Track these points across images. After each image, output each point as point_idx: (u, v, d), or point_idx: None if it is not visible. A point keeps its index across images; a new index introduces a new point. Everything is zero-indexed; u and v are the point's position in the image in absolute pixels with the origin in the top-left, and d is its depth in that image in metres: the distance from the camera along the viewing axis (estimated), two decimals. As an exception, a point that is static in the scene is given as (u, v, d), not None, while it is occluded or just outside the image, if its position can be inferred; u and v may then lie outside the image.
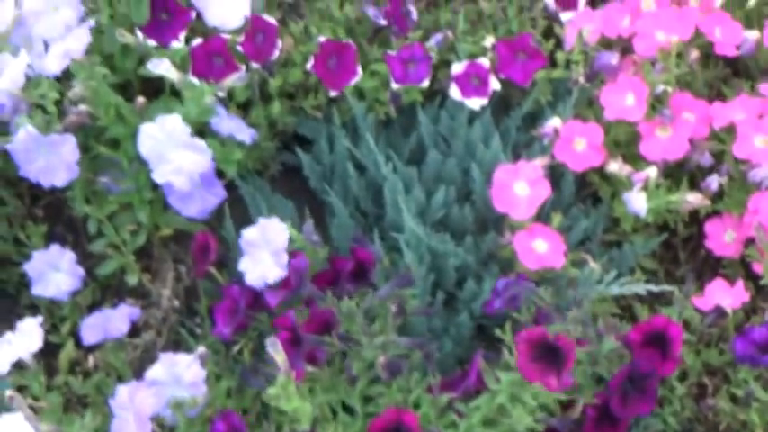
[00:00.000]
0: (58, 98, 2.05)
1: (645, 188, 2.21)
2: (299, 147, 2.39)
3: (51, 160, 2.02)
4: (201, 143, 2.01)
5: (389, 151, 2.33)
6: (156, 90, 2.21)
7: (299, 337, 1.87)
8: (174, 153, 2.01)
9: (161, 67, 2.07)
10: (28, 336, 1.98)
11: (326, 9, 2.34)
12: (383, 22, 2.33)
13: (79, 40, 2.04)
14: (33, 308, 2.21)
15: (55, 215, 2.27)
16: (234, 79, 2.14)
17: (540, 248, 2.15)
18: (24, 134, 1.99)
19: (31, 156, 2.01)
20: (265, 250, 1.98)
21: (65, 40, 2.06)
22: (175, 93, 2.16)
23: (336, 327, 1.90)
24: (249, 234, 2.01)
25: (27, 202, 2.25)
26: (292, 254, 1.99)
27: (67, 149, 2.01)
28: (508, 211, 2.17)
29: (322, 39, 2.25)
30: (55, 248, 2.09)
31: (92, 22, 2.05)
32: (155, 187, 2.13)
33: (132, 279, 2.17)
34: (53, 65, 2.04)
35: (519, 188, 2.18)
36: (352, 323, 1.90)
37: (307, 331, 1.89)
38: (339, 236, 2.29)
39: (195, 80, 2.15)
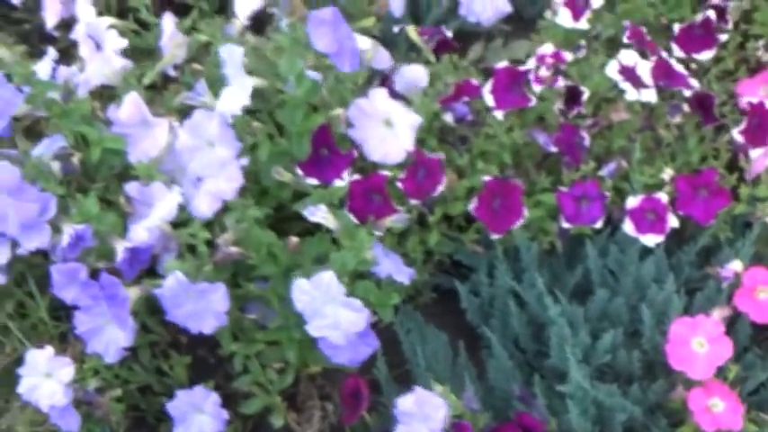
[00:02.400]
0: (209, 238, 1.92)
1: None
2: (456, 271, 2.26)
3: (200, 307, 1.92)
4: (358, 303, 1.88)
5: (553, 284, 2.18)
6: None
7: None
8: (329, 308, 1.88)
9: (318, 215, 1.95)
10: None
11: (493, 134, 2.18)
12: (553, 149, 2.17)
13: (232, 181, 1.92)
14: (173, 440, 2.10)
15: (199, 343, 2.16)
16: (393, 220, 2.01)
17: (717, 408, 2.00)
18: (174, 281, 1.87)
19: (179, 301, 1.91)
20: (422, 424, 1.85)
21: (217, 179, 1.93)
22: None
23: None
24: (405, 404, 1.89)
25: (171, 330, 2.13)
26: (454, 425, 1.85)
27: (217, 298, 1.90)
28: (685, 369, 2.02)
29: (487, 177, 2.10)
30: (199, 390, 1.99)
31: (245, 160, 1.93)
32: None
33: (278, 421, 2.05)
34: (204, 206, 1.93)
35: (697, 345, 2.01)
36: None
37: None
38: (497, 377, 2.15)
39: (352, 218, 2.01)
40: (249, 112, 2.01)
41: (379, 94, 2.05)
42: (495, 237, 2.14)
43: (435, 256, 2.23)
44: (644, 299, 2.19)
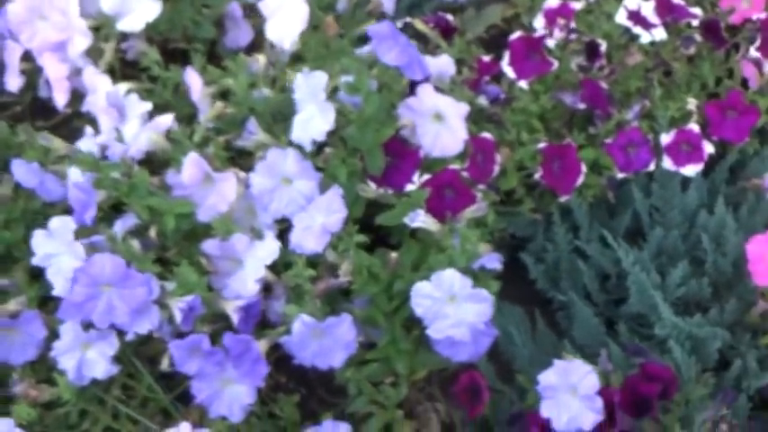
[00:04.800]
0: (314, 274, 1.92)
1: None
2: (508, 243, 2.30)
3: (326, 343, 1.92)
4: (484, 292, 1.90)
5: (603, 231, 2.25)
6: (378, 229, 2.10)
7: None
8: (450, 308, 1.90)
9: (418, 220, 1.96)
10: None
11: (523, 105, 2.22)
12: (581, 106, 2.23)
13: (337, 212, 1.92)
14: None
15: (299, 376, 2.15)
16: (473, 210, 2.03)
17: (806, 313, 2.08)
18: (301, 325, 1.87)
19: (306, 343, 1.90)
20: (570, 395, 1.89)
21: (311, 214, 1.93)
22: (412, 235, 2.05)
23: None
24: (548, 378, 1.91)
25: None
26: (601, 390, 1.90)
27: (344, 329, 1.90)
28: (770, 282, 2.09)
29: (542, 144, 2.15)
30: (328, 424, 1.98)
31: (339, 189, 1.93)
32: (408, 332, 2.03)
33: (403, 434, 2.06)
34: (311, 243, 1.92)
35: (778, 257, 2.10)
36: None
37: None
38: (583, 336, 2.20)
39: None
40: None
41: (426, 90, 2.06)
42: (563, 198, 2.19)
43: (494, 235, 2.26)
44: (693, 226, 2.27)
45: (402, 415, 2.09)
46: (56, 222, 1.95)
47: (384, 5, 2.39)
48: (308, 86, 1.98)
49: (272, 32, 2.16)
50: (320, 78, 1.97)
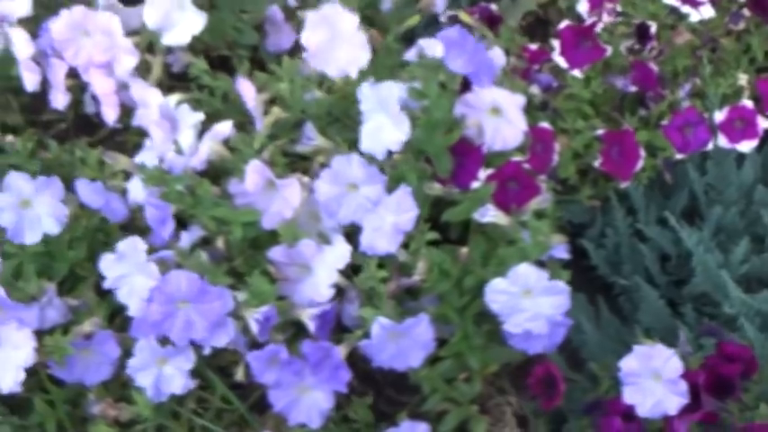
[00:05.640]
0: (386, 276, 1.90)
1: None
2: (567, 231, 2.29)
3: (404, 344, 1.90)
4: (560, 284, 1.89)
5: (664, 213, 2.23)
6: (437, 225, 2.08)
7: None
8: (527, 301, 1.89)
9: (489, 215, 1.95)
10: None
11: (576, 92, 2.21)
12: (632, 89, 2.22)
13: (408, 211, 1.90)
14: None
15: (366, 377, 2.14)
16: (538, 202, 2.02)
17: None
18: (379, 328, 1.86)
19: (384, 346, 1.89)
20: (653, 380, 1.87)
21: (380, 214, 1.91)
22: (475, 229, 2.04)
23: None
24: (629, 364, 1.90)
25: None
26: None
27: (422, 330, 1.89)
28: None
29: (600, 131, 2.13)
30: (407, 425, 1.97)
31: (408, 188, 1.91)
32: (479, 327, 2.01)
33: (480, 429, 2.04)
34: (383, 244, 1.91)
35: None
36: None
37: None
38: (649, 320, 2.19)
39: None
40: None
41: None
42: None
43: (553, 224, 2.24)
44: (751, 203, 2.26)
45: (477, 410, 2.07)
46: (125, 244, 1.93)
47: (436, 3, 2.37)
48: (377, 97, 1.96)
49: (331, 67, 2.12)
50: (390, 89, 1.95)
